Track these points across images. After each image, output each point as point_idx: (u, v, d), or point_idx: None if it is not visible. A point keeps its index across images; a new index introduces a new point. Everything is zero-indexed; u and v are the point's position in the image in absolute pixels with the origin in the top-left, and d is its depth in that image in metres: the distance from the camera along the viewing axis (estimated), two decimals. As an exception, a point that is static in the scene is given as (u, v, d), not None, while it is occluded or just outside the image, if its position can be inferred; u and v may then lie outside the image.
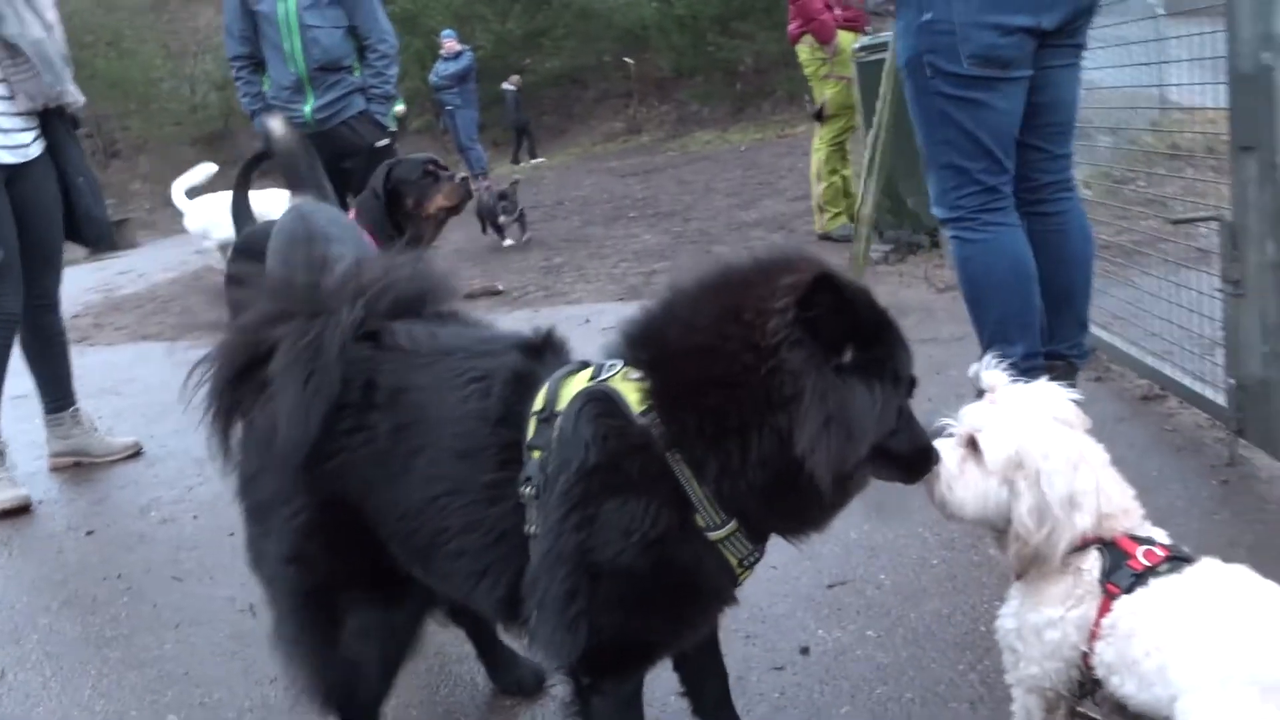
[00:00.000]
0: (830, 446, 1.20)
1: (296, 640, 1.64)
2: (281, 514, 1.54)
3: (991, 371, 1.43)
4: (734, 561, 1.35)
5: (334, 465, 1.46)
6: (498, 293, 6.03)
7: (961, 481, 1.37)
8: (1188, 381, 2.78)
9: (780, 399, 1.21)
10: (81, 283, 10.03)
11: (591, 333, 4.57)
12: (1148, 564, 1.25)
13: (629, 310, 1.44)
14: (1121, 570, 1.26)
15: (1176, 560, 1.26)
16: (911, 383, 1.34)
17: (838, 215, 6.06)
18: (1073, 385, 2.76)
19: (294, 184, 3.06)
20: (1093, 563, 1.29)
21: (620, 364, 1.36)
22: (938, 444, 1.42)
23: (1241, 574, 1.21)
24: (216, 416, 1.54)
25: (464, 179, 3.64)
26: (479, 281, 6.48)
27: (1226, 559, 2.08)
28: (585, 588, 1.32)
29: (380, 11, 4.60)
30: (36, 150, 3.51)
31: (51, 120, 3.55)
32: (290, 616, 1.63)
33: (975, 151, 2.51)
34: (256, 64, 4.58)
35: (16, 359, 3.57)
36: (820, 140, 5.99)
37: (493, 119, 19.91)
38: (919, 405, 1.40)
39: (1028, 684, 1.38)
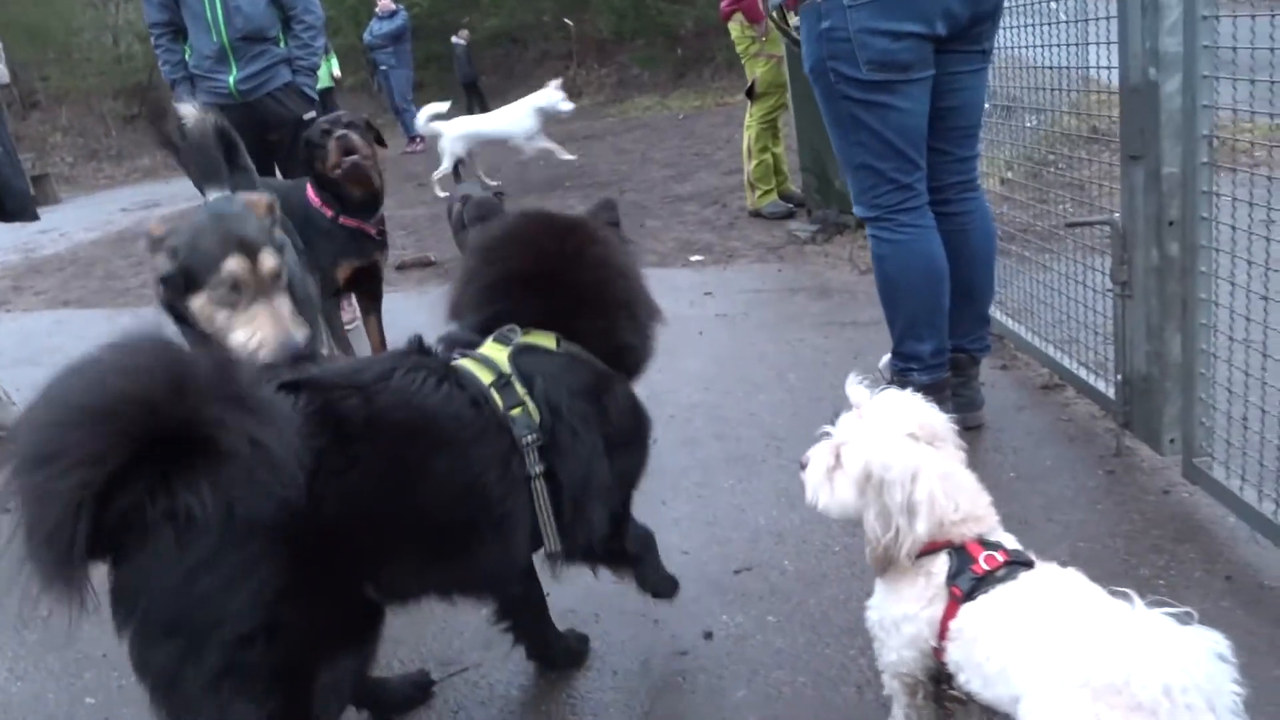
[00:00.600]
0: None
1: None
2: (242, 594, 1.39)
3: (855, 387, 1.54)
4: None
5: (326, 509, 1.45)
6: (430, 264, 6.00)
7: (827, 488, 1.51)
8: (1082, 374, 2.92)
9: (622, 288, 1.87)
10: (-2, 242, 9.72)
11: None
12: (988, 569, 1.36)
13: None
14: (964, 574, 1.37)
15: (1015, 565, 1.37)
16: None
17: (768, 193, 6.15)
18: (970, 383, 2.91)
19: (206, 174, 2.98)
20: (941, 566, 1.41)
21: (512, 328, 1.77)
22: (812, 451, 1.55)
23: (1072, 579, 1.33)
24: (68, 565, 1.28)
25: (341, 136, 3.59)
26: (411, 252, 6.44)
27: (1105, 548, 2.24)
28: (616, 459, 1.80)
29: None
30: None
31: None
32: (257, 706, 1.45)
33: (886, 152, 2.60)
34: (177, 31, 4.48)
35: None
36: (751, 118, 6.05)
37: (430, 78, 19.57)
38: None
39: (890, 670, 1.50)
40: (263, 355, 1.92)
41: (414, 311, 4.90)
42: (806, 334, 3.96)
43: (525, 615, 1.98)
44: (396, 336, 4.42)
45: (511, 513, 1.66)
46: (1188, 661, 1.09)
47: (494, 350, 1.72)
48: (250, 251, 2.00)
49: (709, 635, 2.09)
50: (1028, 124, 3.56)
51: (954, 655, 1.36)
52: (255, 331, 1.95)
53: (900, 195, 2.64)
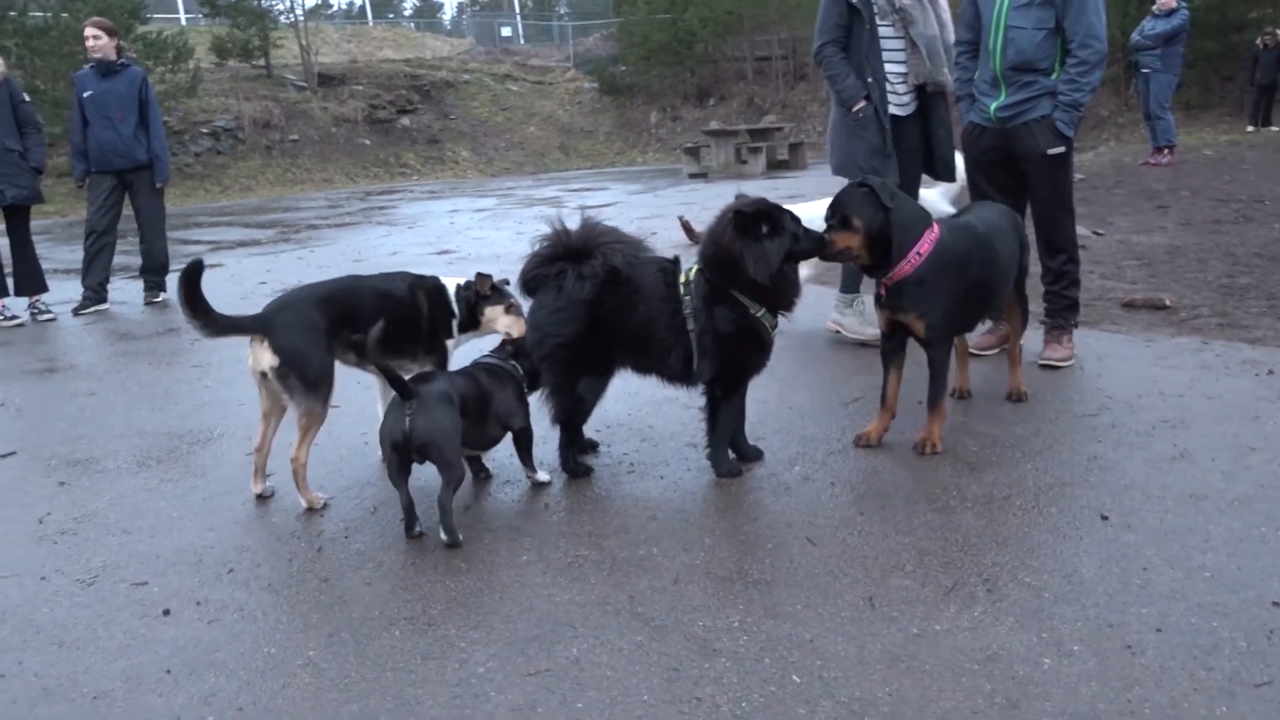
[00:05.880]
0: (758, 270, 3.20)
1: (557, 385, 3.40)
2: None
3: None
4: (769, 326, 3.34)
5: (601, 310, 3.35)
6: (1163, 307, 5.49)
7: None
8: None
9: (736, 254, 3.22)
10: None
11: (1268, 388, 4.01)
12: None
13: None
14: None
15: None
16: (794, 233, 3.30)
17: None
18: None
19: None
20: None
21: (694, 264, 3.39)
22: None
23: None
24: None
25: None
26: (1142, 288, 5.98)
27: None
28: (714, 343, 3.30)
29: (1094, 13, 4.29)
30: (910, 109, 4.93)
31: (926, 91, 4.92)
32: (556, 372, 3.38)
33: None
34: (976, 51, 4.64)
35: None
36: None
37: (1192, 78, 17.70)
38: None
39: None
40: None
41: (1135, 361, 4.56)
42: None
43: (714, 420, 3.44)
44: (1111, 384, 4.18)
45: (675, 339, 3.33)
46: None
47: (692, 271, 3.38)
48: None
49: None
50: None
51: None
52: None
53: None
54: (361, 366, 3.50)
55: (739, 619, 2.47)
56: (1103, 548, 2.76)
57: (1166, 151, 12.53)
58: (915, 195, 5.12)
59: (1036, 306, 4.68)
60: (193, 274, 3.15)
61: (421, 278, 3.65)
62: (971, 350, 4.39)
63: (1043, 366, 4.50)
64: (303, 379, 3.19)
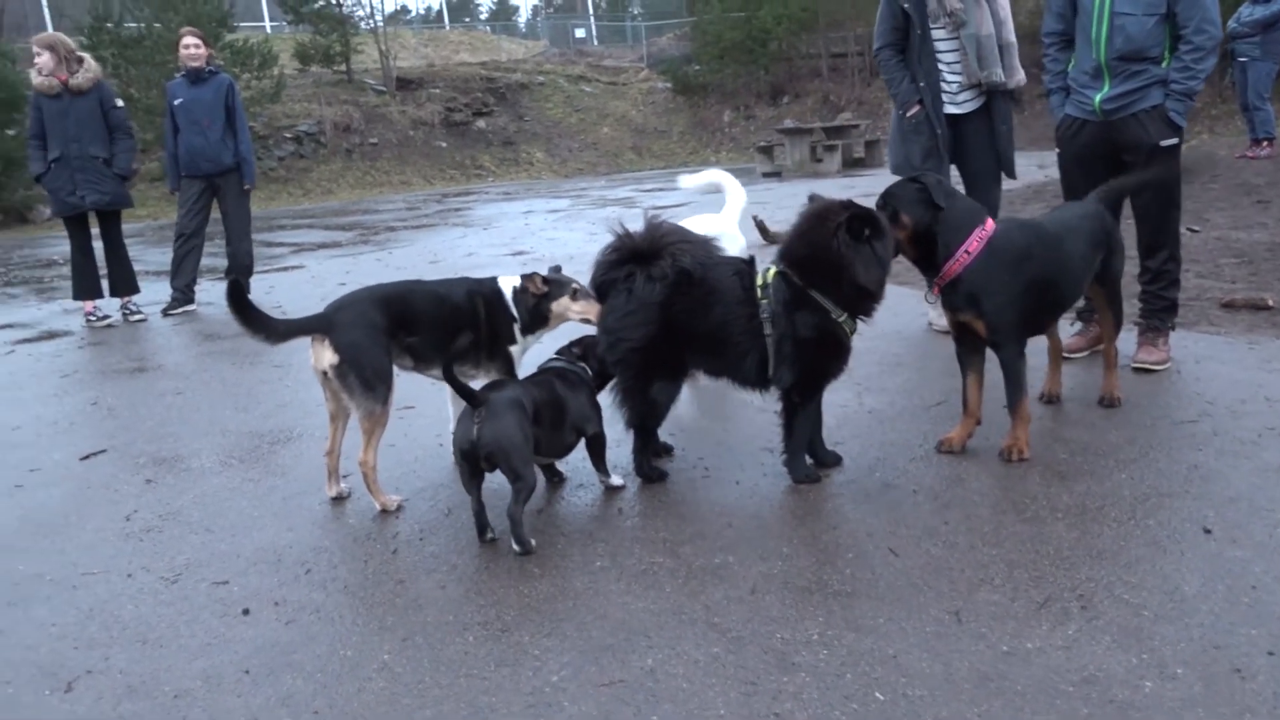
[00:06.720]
0: (871, 275, 3.10)
1: (630, 390, 3.32)
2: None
3: None
4: (849, 331, 3.23)
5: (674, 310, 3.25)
6: (1265, 308, 5.21)
7: None
8: None
9: (846, 259, 3.09)
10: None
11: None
12: None
13: None
14: None
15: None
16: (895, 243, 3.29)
17: None
18: None
19: None
20: None
21: (774, 263, 3.28)
22: None
23: None
24: None
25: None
26: (1242, 287, 5.69)
27: None
28: (794, 348, 3.19)
29: None
30: (973, 106, 5.01)
31: (992, 90, 4.95)
32: (628, 376, 3.30)
33: None
34: (1068, 42, 4.48)
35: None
36: None
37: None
38: None
39: None
40: None
41: (1237, 364, 4.34)
42: None
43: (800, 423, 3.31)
44: (1211, 389, 3.97)
45: (751, 343, 3.22)
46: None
47: (770, 273, 3.26)
48: None
49: None
50: None
51: None
52: None
53: None
54: (418, 370, 3.48)
55: (819, 632, 2.39)
56: (1206, 563, 2.60)
57: (1266, 144, 11.96)
58: (995, 189, 5.10)
59: (1130, 308, 4.48)
60: (236, 294, 3.19)
61: (480, 283, 3.57)
62: (1063, 354, 4.21)
63: (1136, 370, 4.31)
64: (361, 377, 3.20)
